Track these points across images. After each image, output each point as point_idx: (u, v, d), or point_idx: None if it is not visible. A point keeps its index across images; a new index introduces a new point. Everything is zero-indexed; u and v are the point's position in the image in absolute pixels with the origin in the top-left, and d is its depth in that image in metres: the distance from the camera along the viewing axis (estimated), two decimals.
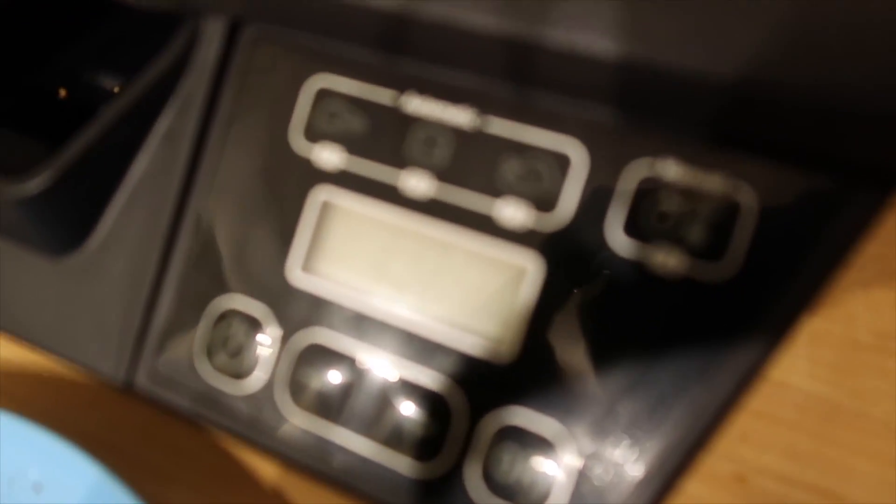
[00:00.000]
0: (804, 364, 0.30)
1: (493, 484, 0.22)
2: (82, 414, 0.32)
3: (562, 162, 0.21)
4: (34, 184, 0.24)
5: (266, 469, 0.30)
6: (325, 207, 0.24)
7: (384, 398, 0.23)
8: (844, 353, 0.31)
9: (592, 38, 0.19)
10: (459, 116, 0.23)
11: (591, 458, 0.21)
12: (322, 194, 0.24)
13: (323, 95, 0.24)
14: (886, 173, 0.18)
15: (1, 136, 0.36)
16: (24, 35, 0.39)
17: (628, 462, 0.21)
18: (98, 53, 0.40)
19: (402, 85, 0.23)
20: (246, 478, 0.30)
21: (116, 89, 0.40)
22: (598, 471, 0.21)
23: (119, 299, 0.26)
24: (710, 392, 0.20)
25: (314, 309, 0.24)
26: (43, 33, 0.39)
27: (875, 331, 0.31)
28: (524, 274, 0.22)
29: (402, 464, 0.23)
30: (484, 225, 0.22)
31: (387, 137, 0.23)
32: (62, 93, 0.41)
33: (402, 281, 0.23)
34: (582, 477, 0.21)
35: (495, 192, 0.22)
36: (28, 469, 0.27)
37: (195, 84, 0.26)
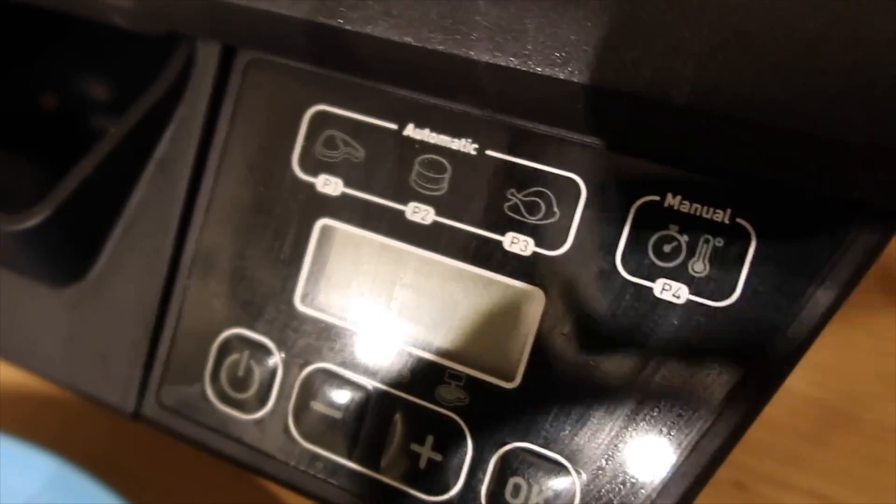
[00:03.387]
0: (803, 370, 0.31)
1: None
2: (88, 435, 0.33)
3: (570, 191, 0.21)
4: (33, 217, 0.24)
5: (275, 490, 0.30)
6: (331, 235, 0.24)
7: (390, 424, 0.23)
8: (842, 356, 0.32)
9: (592, 74, 0.19)
10: (464, 147, 0.23)
11: (596, 482, 0.21)
12: (327, 223, 0.24)
13: (324, 126, 0.24)
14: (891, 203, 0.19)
15: None
16: (9, 45, 0.38)
17: (636, 486, 0.21)
18: (85, 61, 0.39)
19: (404, 116, 0.23)
20: (254, 498, 0.30)
21: (104, 97, 0.39)
22: (603, 496, 0.21)
23: (123, 329, 0.26)
24: (718, 418, 0.20)
25: (321, 336, 0.24)
26: (27, 44, 0.38)
27: (873, 334, 0.32)
28: (531, 300, 0.22)
29: (408, 491, 0.23)
30: (491, 251, 0.22)
31: (391, 168, 0.23)
32: (50, 102, 0.40)
33: (407, 308, 0.23)
34: (588, 502, 0.21)
35: (502, 220, 0.22)
36: (39, 496, 0.27)
37: (191, 111, 0.25)
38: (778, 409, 0.31)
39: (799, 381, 0.31)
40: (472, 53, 0.20)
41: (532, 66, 0.20)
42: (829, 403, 0.30)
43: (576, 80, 0.20)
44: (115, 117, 0.27)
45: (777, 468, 0.29)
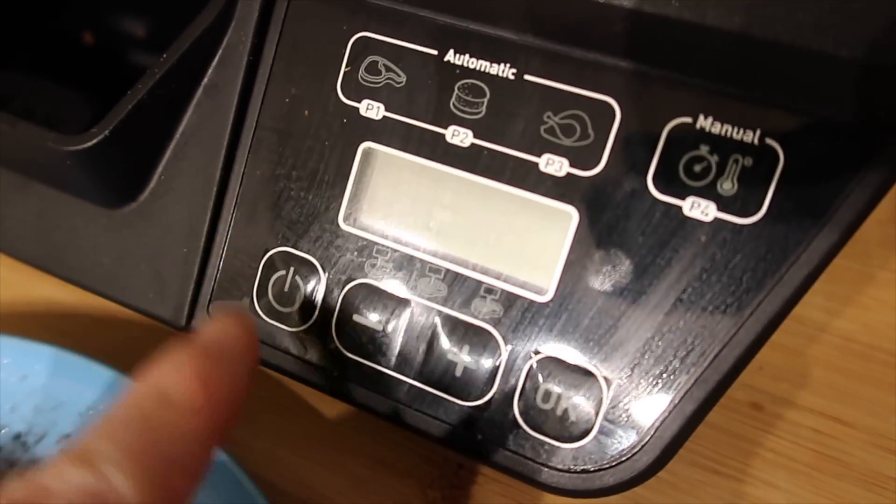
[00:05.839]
0: (820, 299, 0.32)
1: (531, 414, 0.24)
2: (137, 351, 0.35)
3: (605, 114, 0.22)
4: (91, 138, 0.25)
5: (319, 397, 0.32)
6: (373, 158, 0.25)
7: (429, 335, 0.25)
8: (859, 288, 0.33)
9: None
10: (503, 72, 0.23)
11: (622, 388, 0.23)
12: (370, 146, 0.25)
13: (367, 52, 0.25)
14: None
15: (38, 86, 0.36)
16: None
17: (660, 395, 0.22)
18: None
19: (444, 42, 0.24)
20: (301, 409, 0.32)
21: (142, 34, 0.40)
22: (628, 403, 0.23)
23: (176, 247, 0.27)
24: (740, 330, 0.22)
25: (363, 253, 0.25)
26: None
27: (890, 267, 0.33)
28: (565, 218, 0.23)
29: (444, 397, 0.25)
30: (527, 172, 0.23)
31: (431, 92, 0.24)
32: (88, 38, 0.41)
33: (445, 226, 0.25)
34: (615, 408, 0.23)
35: (538, 142, 0.23)
36: (96, 404, 0.29)
37: (238, 37, 0.26)
38: (795, 336, 0.32)
39: (816, 311, 0.32)
40: None
41: None
42: (845, 332, 0.32)
43: (614, 3, 0.20)
44: (153, 54, 0.28)
45: (792, 391, 0.31)
